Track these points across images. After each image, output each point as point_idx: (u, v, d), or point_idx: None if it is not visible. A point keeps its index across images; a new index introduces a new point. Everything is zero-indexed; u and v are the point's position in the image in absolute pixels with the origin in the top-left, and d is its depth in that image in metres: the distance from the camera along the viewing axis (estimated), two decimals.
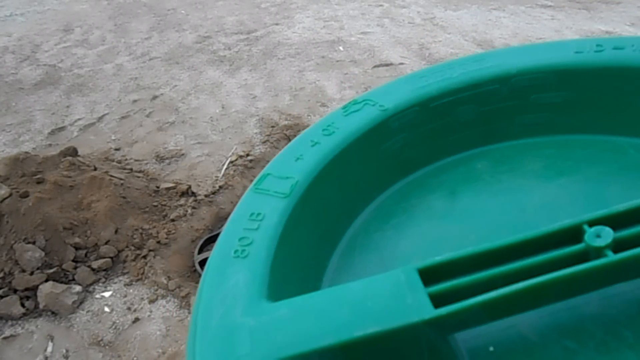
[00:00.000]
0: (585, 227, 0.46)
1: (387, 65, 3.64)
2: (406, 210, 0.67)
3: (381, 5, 5.11)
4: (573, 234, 0.46)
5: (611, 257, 0.43)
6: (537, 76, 0.70)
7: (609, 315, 0.47)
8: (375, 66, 3.62)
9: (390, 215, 0.66)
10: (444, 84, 0.71)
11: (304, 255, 0.58)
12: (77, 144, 2.46)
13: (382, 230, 0.65)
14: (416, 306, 0.42)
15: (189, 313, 1.66)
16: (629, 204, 0.47)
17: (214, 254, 0.54)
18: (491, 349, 0.46)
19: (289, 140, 2.72)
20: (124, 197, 2.04)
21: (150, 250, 1.91)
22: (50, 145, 2.74)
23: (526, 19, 4.62)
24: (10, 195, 1.87)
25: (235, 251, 0.53)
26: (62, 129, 2.93)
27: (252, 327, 0.44)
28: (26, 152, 2.14)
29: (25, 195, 1.88)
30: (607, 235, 0.44)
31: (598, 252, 0.44)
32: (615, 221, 0.46)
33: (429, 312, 0.41)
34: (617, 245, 0.44)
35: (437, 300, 0.42)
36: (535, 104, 0.72)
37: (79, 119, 3.03)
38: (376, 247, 0.62)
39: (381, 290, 0.44)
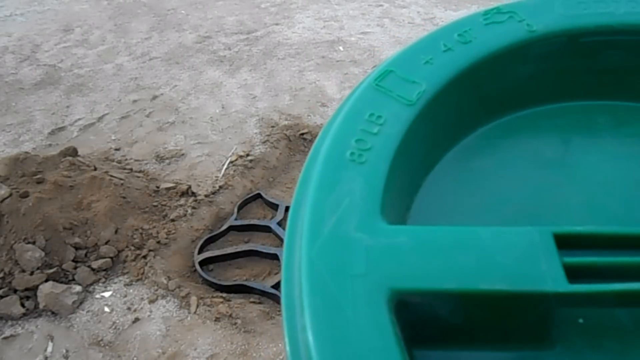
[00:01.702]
0: None
1: None
2: (513, 147, 0.60)
3: (381, 5, 5.11)
4: None
5: None
6: None
7: None
8: (375, 66, 3.62)
9: (496, 147, 0.59)
10: (605, 18, 0.59)
11: (408, 172, 0.52)
12: (77, 144, 2.46)
13: (483, 160, 0.58)
14: (551, 276, 0.39)
15: (189, 313, 1.66)
16: None
17: (326, 149, 0.48)
18: (580, 320, 0.43)
19: (289, 140, 2.72)
20: (124, 197, 2.04)
21: (150, 250, 1.91)
22: (50, 145, 2.74)
23: None
24: (10, 195, 1.87)
25: (352, 153, 0.47)
26: (62, 129, 2.93)
27: (367, 246, 0.40)
28: (26, 152, 2.14)
29: (25, 195, 1.88)
30: None
31: None
32: None
33: (564, 286, 0.38)
34: None
35: (571, 273, 0.39)
36: None
37: (79, 119, 3.03)
38: (474, 177, 0.56)
39: (513, 246, 0.40)
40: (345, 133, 0.49)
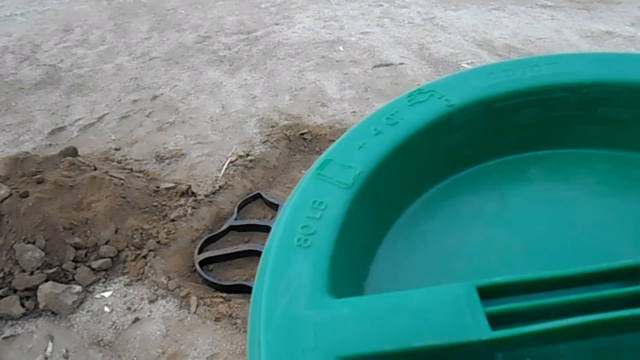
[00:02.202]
0: None
1: (387, 65, 3.64)
2: (455, 206, 0.66)
3: (381, 5, 5.11)
4: (630, 273, 0.47)
5: None
6: (611, 90, 0.68)
7: None
8: (375, 66, 3.62)
9: (440, 209, 0.66)
10: (514, 85, 0.69)
11: (357, 246, 0.58)
12: (77, 144, 2.46)
13: (430, 223, 0.64)
14: (474, 325, 0.43)
15: (189, 313, 1.66)
16: None
17: (277, 239, 0.54)
18: (528, 359, 0.47)
19: (289, 140, 2.72)
20: (124, 197, 2.04)
21: (150, 250, 1.91)
22: (50, 145, 2.74)
23: (526, 19, 4.62)
24: (10, 195, 1.87)
25: (299, 239, 0.53)
26: (62, 129, 2.93)
27: (315, 322, 0.45)
28: (26, 152, 2.14)
29: (25, 195, 1.88)
30: None
31: None
32: None
33: (487, 333, 0.43)
34: None
35: (494, 321, 0.43)
36: (601, 117, 0.70)
37: (79, 119, 3.03)
38: (423, 240, 0.62)
39: (440, 303, 0.45)
40: (293, 222, 0.55)
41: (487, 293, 0.46)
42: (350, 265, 0.56)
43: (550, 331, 0.43)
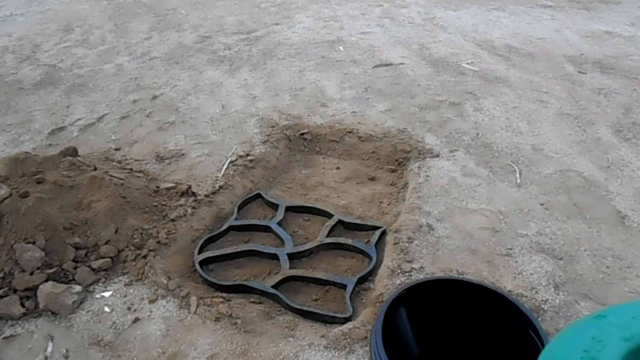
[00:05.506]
0: None
1: (387, 65, 3.64)
2: None
3: (381, 5, 5.11)
4: None
5: None
6: None
7: None
8: (375, 66, 3.62)
9: None
10: None
11: None
12: (77, 144, 2.46)
13: None
14: None
15: (189, 313, 1.66)
16: None
17: None
18: None
19: (289, 140, 2.73)
20: (124, 197, 2.04)
21: (150, 250, 1.91)
22: (50, 145, 2.74)
23: (526, 18, 4.62)
24: (10, 195, 1.87)
25: None
26: (62, 129, 2.93)
27: None
28: (26, 152, 2.14)
29: (25, 195, 1.88)
30: None
31: None
32: None
33: None
34: None
35: None
36: None
37: (79, 119, 3.03)
38: None
39: None
40: None
41: None
42: None
43: None
